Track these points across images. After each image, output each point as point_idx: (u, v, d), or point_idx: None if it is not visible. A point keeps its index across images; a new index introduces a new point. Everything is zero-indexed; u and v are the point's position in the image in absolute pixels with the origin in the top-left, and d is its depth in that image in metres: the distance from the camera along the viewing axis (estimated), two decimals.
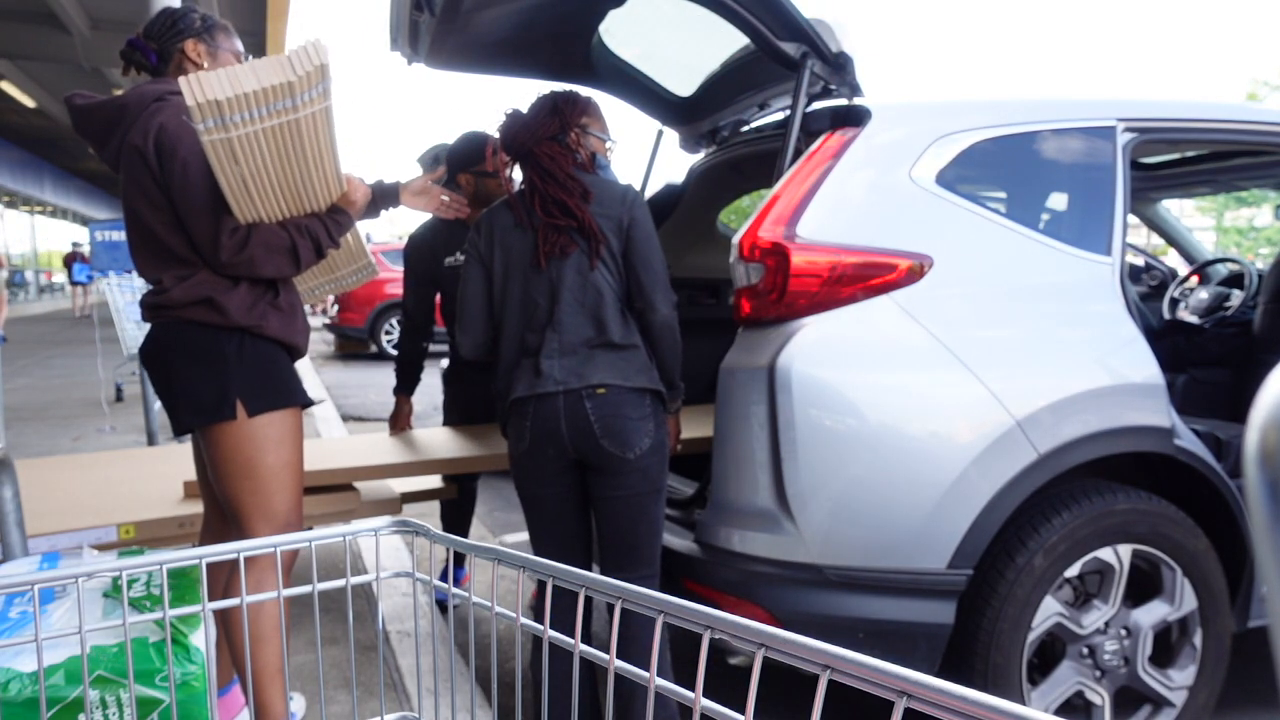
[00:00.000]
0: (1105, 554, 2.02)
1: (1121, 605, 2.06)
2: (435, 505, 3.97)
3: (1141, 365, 2.07)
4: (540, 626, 0.83)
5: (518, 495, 2.08)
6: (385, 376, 8.02)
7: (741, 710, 0.61)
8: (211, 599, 1.32)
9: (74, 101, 1.84)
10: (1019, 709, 0.45)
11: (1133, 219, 3.51)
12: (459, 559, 3.20)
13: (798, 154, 2.04)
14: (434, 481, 2.98)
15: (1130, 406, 2.04)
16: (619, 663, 0.73)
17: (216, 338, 1.80)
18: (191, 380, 1.81)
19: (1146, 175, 3.68)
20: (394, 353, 4.17)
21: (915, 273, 1.93)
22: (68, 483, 2.63)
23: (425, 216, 3.12)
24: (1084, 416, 1.97)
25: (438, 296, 3.05)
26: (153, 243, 1.82)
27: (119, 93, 1.86)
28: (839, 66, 2.09)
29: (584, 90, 2.13)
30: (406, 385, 3.08)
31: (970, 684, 1.76)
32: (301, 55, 1.56)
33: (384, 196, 2.13)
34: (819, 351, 1.88)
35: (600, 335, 1.93)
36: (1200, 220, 22.48)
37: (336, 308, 11.59)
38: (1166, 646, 2.15)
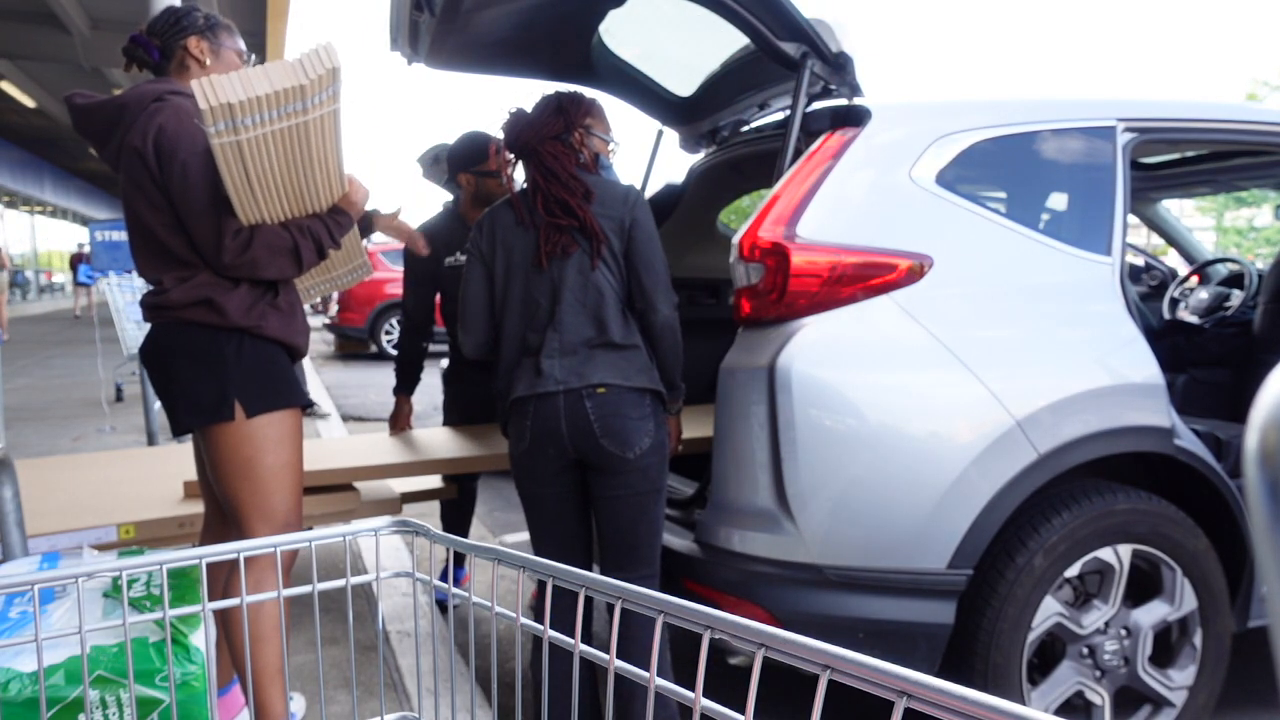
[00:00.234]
0: (1105, 554, 2.02)
1: (1121, 605, 2.06)
2: (435, 505, 3.97)
3: (1141, 365, 2.07)
4: (540, 626, 0.83)
5: (518, 495, 2.08)
6: (385, 376, 8.02)
7: (741, 710, 0.61)
8: (211, 599, 1.32)
9: (74, 101, 1.84)
10: (1019, 709, 0.45)
11: (1133, 219, 3.51)
12: (459, 559, 3.20)
13: (798, 154, 2.04)
14: (434, 481, 2.98)
15: (1130, 406, 2.04)
16: (619, 663, 0.73)
17: (216, 338, 1.80)
18: (190, 380, 1.81)
19: (1146, 175, 3.68)
20: (394, 353, 4.17)
21: (915, 273, 1.93)
22: (68, 483, 2.63)
23: (425, 217, 3.12)
24: (1084, 416, 1.97)
25: (438, 296, 3.05)
26: (153, 243, 1.82)
27: (118, 92, 1.85)
28: (839, 66, 2.09)
29: (587, 91, 2.13)
30: (406, 385, 3.08)
31: (970, 684, 1.76)
32: (313, 59, 1.56)
33: (362, 223, 2.16)
34: (819, 351, 1.88)
35: (601, 335, 1.93)
36: (1200, 220, 22.48)
37: (336, 308, 11.59)
38: (1166, 646, 2.14)
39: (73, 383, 8.90)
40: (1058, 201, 2.25)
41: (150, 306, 1.84)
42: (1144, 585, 2.12)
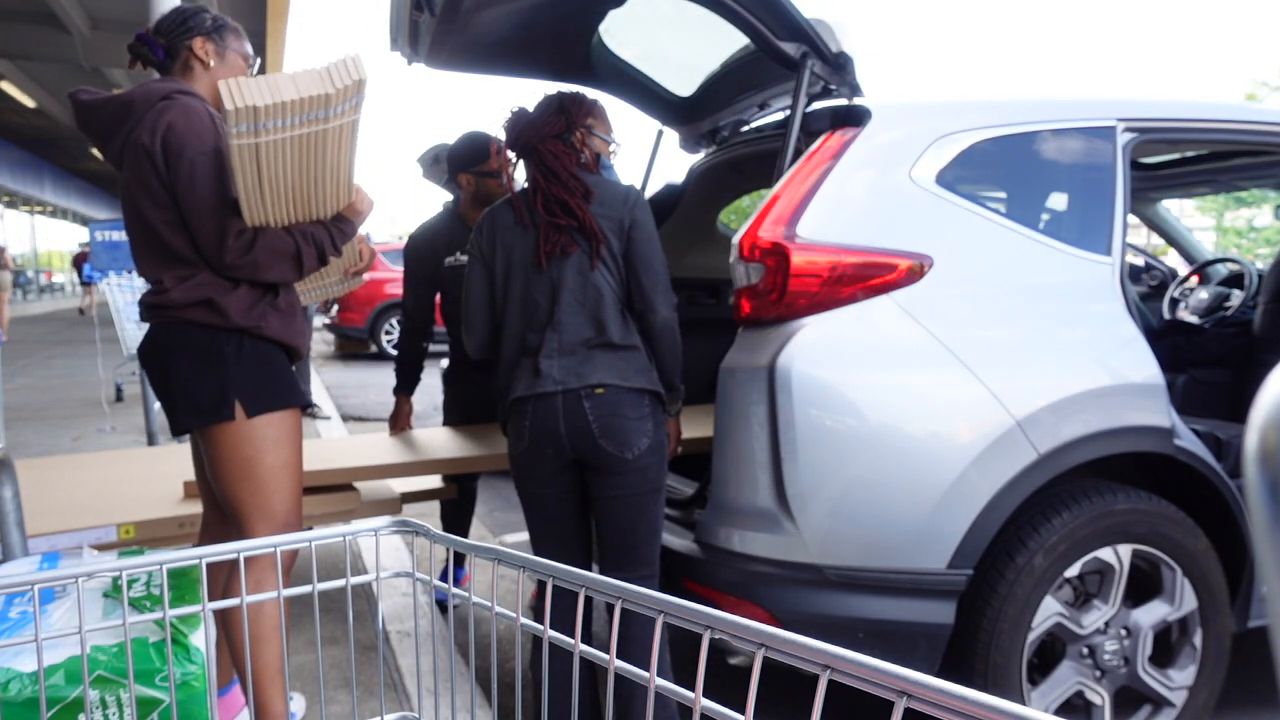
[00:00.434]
0: (1105, 554, 2.02)
1: (1121, 605, 2.06)
2: (435, 505, 3.97)
3: (1141, 365, 2.07)
4: (540, 626, 0.83)
5: (517, 494, 2.08)
6: (385, 376, 8.03)
7: (741, 710, 0.61)
8: (211, 599, 1.32)
9: (79, 97, 1.84)
10: (1019, 709, 0.45)
11: (1133, 219, 3.51)
12: (459, 559, 3.20)
13: (798, 154, 2.04)
14: (434, 481, 2.98)
15: (1130, 406, 2.04)
16: (619, 663, 0.73)
17: (216, 338, 1.80)
18: (190, 381, 1.81)
19: (1146, 175, 3.68)
20: (394, 353, 4.17)
21: (915, 273, 1.93)
22: (68, 483, 2.63)
23: (425, 216, 3.12)
24: (1084, 416, 1.97)
25: (438, 296, 3.05)
26: (154, 241, 1.82)
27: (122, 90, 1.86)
28: (839, 66, 2.09)
29: (589, 92, 2.14)
30: (406, 385, 3.07)
31: (970, 684, 1.76)
32: (340, 69, 1.58)
33: None
34: (819, 351, 1.88)
35: (600, 336, 1.93)
36: (1200, 220, 22.47)
37: (336, 308, 11.59)
38: (1166, 646, 2.14)
39: (73, 383, 8.90)
40: (1058, 201, 2.25)
41: (150, 306, 1.83)
42: (1144, 585, 2.11)
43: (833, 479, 1.87)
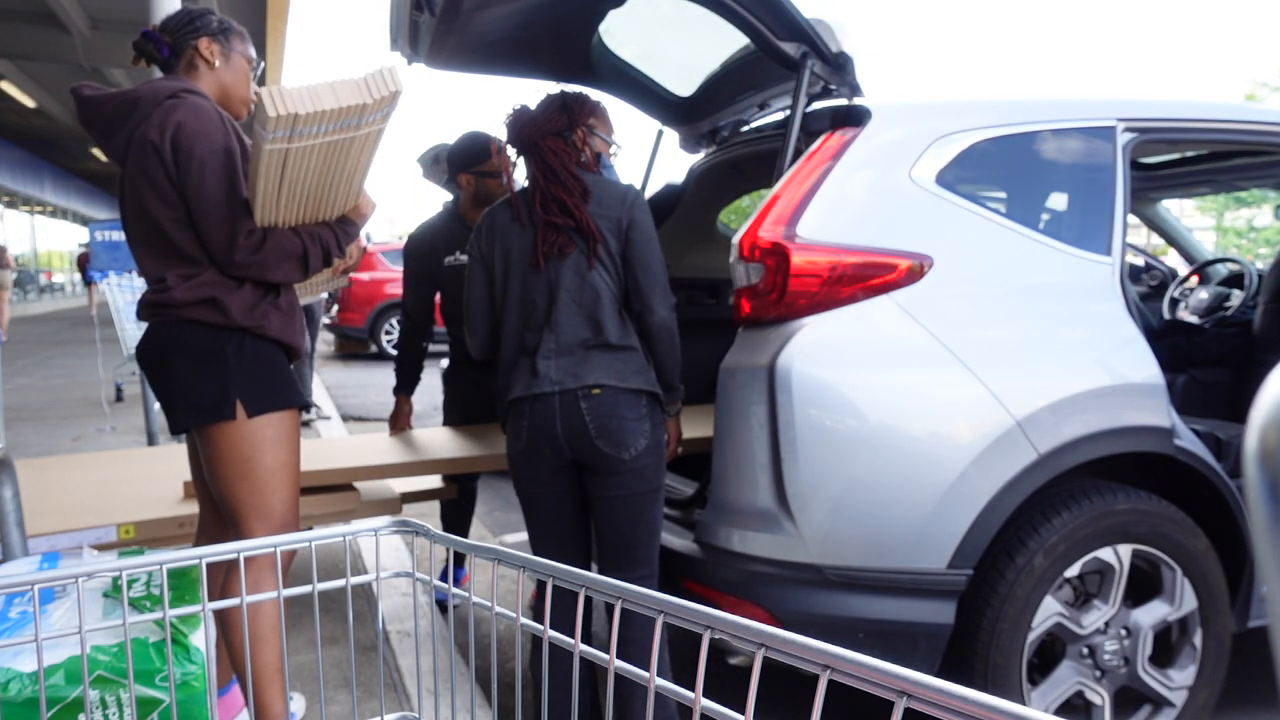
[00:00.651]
0: (1105, 554, 2.02)
1: (1121, 605, 2.06)
2: (435, 505, 3.97)
3: (1141, 365, 2.07)
4: (540, 626, 0.83)
5: (516, 494, 2.08)
6: (385, 376, 8.03)
7: (741, 710, 0.61)
8: (210, 599, 1.32)
9: (82, 92, 1.84)
10: (1019, 709, 0.45)
11: (1133, 219, 3.51)
12: (459, 559, 3.20)
13: (798, 154, 2.04)
14: (434, 481, 2.98)
15: (1130, 406, 2.04)
16: (619, 663, 0.73)
17: (218, 337, 1.81)
18: (191, 379, 1.81)
19: (1146, 175, 3.68)
20: (394, 353, 4.17)
21: (915, 273, 1.93)
22: (68, 483, 2.63)
23: (425, 216, 3.12)
24: (1084, 416, 1.97)
25: (438, 296, 3.05)
26: (158, 238, 1.82)
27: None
28: (839, 66, 2.09)
29: (591, 93, 2.14)
30: (406, 385, 3.07)
31: (970, 684, 1.76)
32: (378, 80, 1.59)
33: None
34: (819, 351, 1.88)
35: (597, 336, 1.93)
36: (1200, 220, 22.48)
37: (336, 308, 11.59)
38: (1166, 646, 2.15)
39: (73, 383, 8.90)
40: (1058, 201, 2.25)
41: (151, 304, 1.83)
42: (1144, 585, 2.12)
43: (833, 479, 1.87)
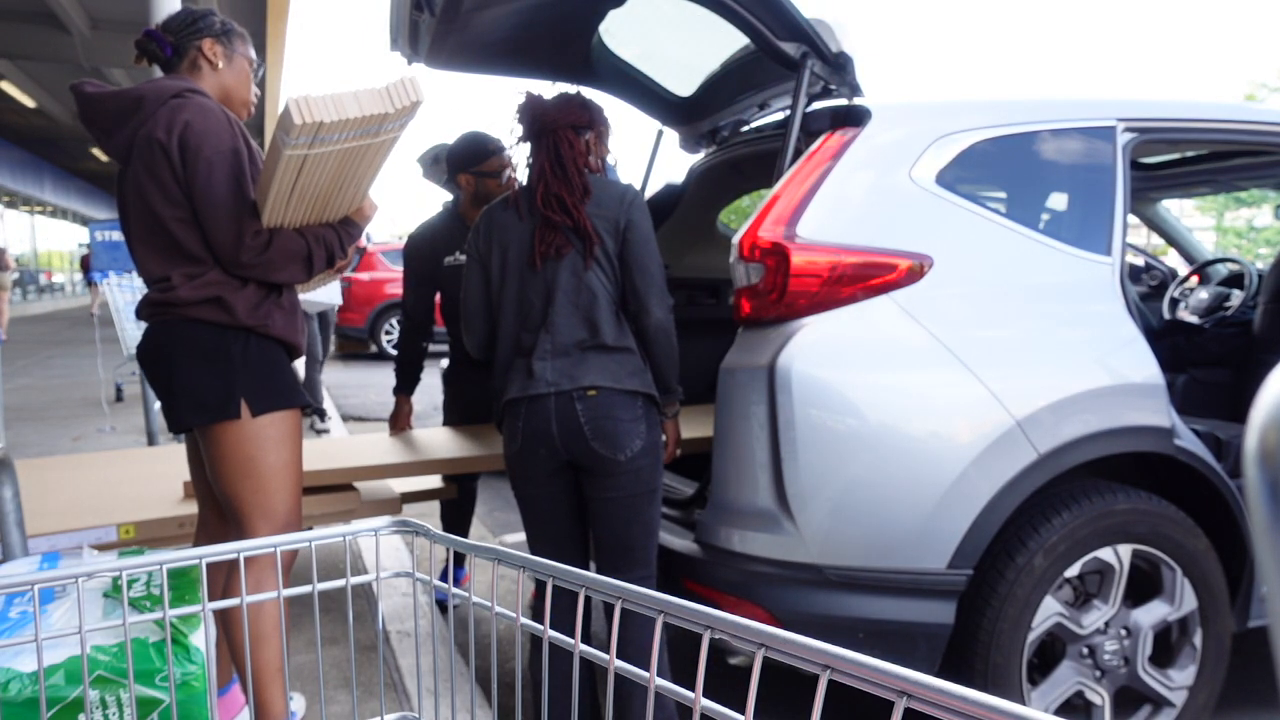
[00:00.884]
0: (1105, 554, 2.02)
1: (1121, 605, 2.06)
2: (435, 505, 3.97)
3: (1141, 365, 2.07)
4: (540, 626, 0.83)
5: (513, 495, 2.08)
6: (385, 376, 8.02)
7: (741, 710, 0.61)
8: (211, 599, 1.32)
9: (84, 89, 1.84)
10: (1019, 709, 0.45)
11: (1133, 219, 3.51)
12: (459, 559, 3.20)
13: (798, 154, 2.04)
14: (434, 481, 2.98)
15: (1130, 406, 2.04)
16: (619, 663, 0.73)
17: (223, 336, 1.81)
18: (195, 378, 1.81)
19: (1146, 175, 3.68)
20: (394, 353, 4.16)
21: (915, 273, 1.93)
22: (68, 483, 2.63)
23: (425, 216, 3.12)
24: (1084, 416, 1.97)
25: (438, 296, 3.05)
26: (162, 238, 1.82)
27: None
28: (839, 66, 2.09)
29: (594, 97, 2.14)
30: (406, 385, 3.08)
31: (970, 684, 1.76)
32: (400, 90, 1.60)
33: None
34: (819, 351, 1.88)
35: (593, 337, 1.92)
36: (1200, 220, 22.47)
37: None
38: (1166, 646, 2.15)
39: (73, 383, 8.90)
40: (1058, 201, 2.25)
41: (155, 304, 1.83)
42: (1144, 585, 2.12)
43: (833, 479, 1.87)
